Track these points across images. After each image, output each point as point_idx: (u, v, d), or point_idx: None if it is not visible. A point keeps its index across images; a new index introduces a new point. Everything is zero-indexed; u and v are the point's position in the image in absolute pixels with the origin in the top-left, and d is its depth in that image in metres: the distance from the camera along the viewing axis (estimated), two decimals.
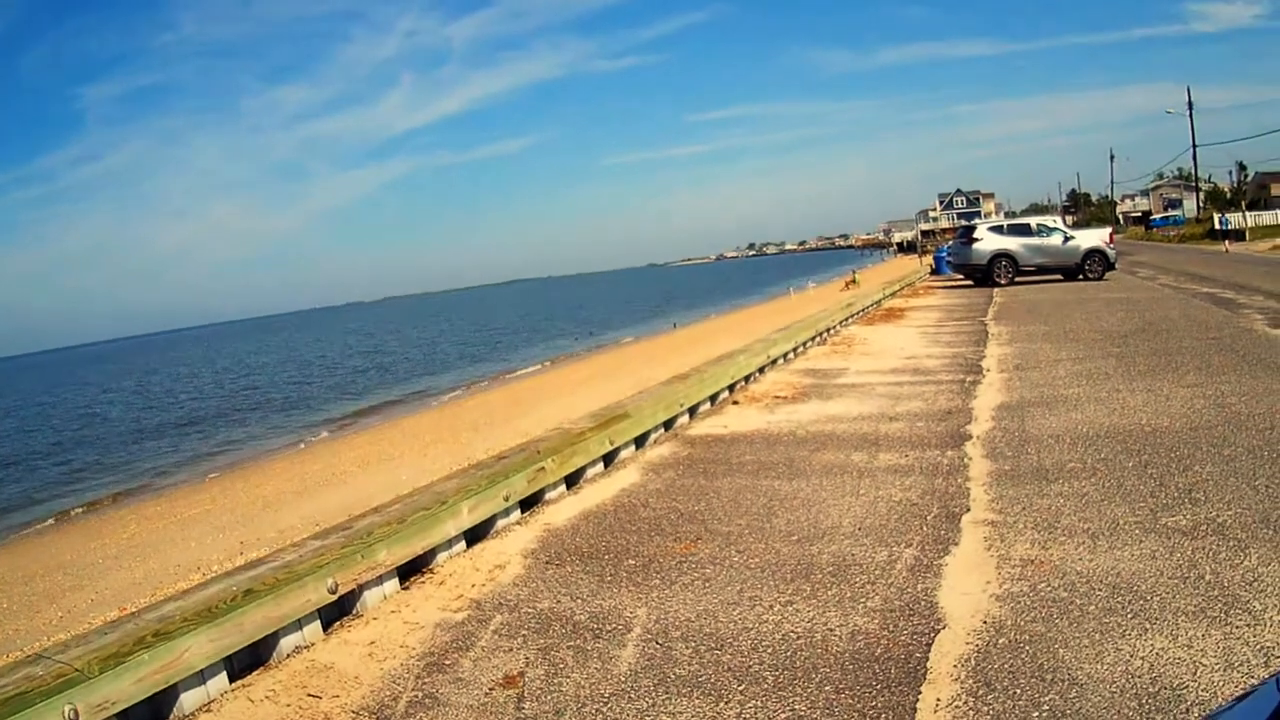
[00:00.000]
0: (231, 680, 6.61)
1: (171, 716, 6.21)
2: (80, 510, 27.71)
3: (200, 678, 6.31)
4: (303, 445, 33.91)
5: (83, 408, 72.73)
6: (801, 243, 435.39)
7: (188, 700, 6.23)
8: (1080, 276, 40.79)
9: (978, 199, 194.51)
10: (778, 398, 16.34)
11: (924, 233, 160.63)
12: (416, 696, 6.11)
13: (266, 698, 6.32)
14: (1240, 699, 2.14)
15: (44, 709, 5.31)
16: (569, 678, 6.14)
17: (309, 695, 6.29)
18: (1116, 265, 41.59)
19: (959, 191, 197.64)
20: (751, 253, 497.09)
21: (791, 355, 22.04)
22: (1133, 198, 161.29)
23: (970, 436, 11.94)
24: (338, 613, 7.73)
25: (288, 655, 7.01)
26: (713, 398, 16.14)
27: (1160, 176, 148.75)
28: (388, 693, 6.21)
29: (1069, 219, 71.03)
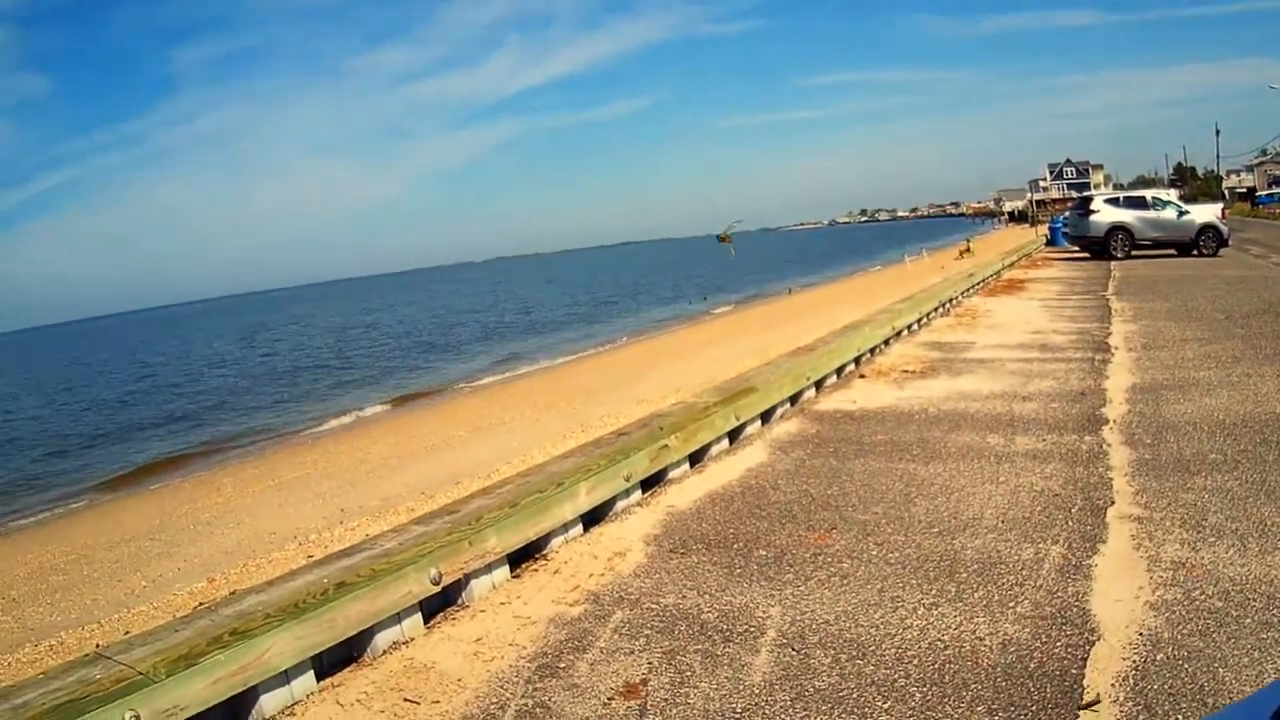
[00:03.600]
0: (319, 679, 6.08)
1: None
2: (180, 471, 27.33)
3: (284, 678, 5.79)
4: (408, 410, 33.18)
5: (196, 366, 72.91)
6: (913, 209, 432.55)
7: (268, 703, 5.71)
8: (1194, 252, 39.75)
9: (1087, 170, 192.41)
10: (906, 372, 15.73)
11: (1037, 202, 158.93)
12: (526, 705, 5.55)
13: (358, 701, 5.80)
14: (1248, 699, 2.03)
15: (99, 716, 4.79)
16: (697, 688, 5.56)
17: (405, 700, 5.76)
18: (1230, 242, 40.73)
19: (1068, 162, 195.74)
20: (864, 219, 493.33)
21: (916, 327, 21.36)
22: (1237, 173, 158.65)
23: (1106, 420, 11.22)
24: (441, 603, 7.19)
25: (384, 652, 6.48)
26: (839, 370, 15.50)
27: (1264, 153, 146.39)
28: (494, 699, 5.66)
29: (1177, 193, 69.87)
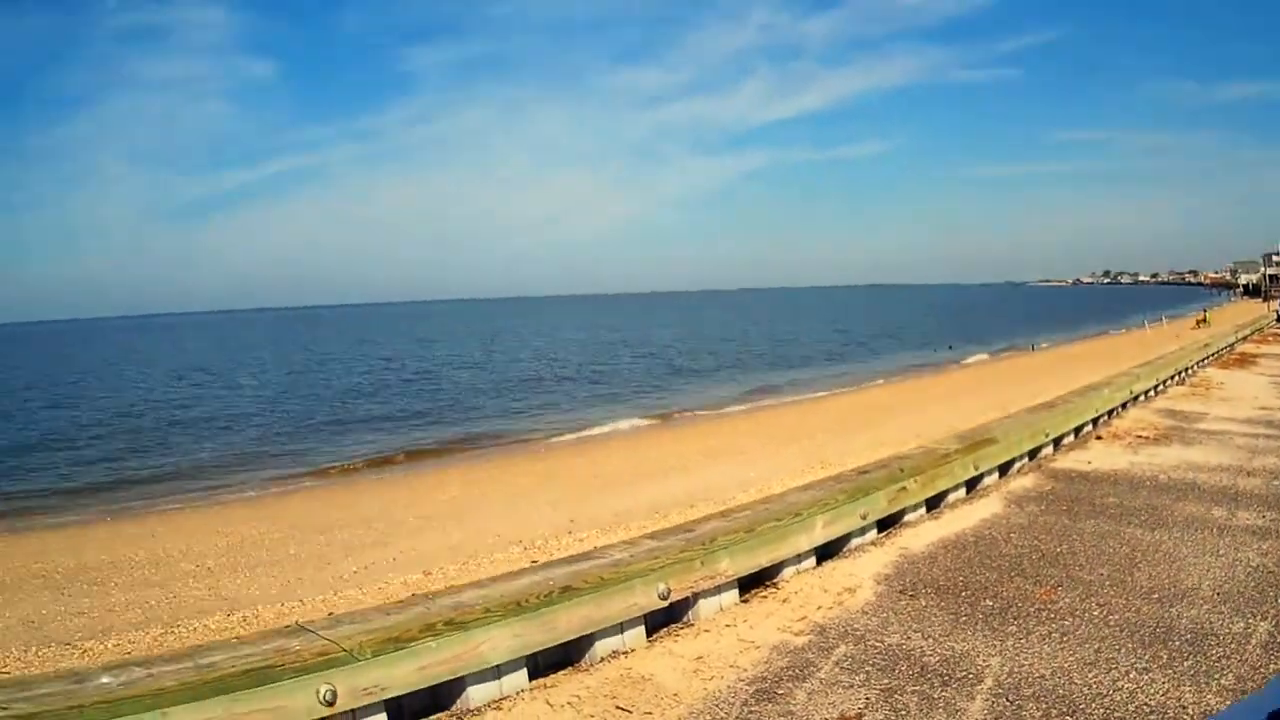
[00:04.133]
0: (532, 678, 6.01)
1: (454, 708, 5.65)
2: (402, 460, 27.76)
3: (495, 672, 5.74)
4: (641, 429, 33.02)
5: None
6: (1154, 275, 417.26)
7: (476, 694, 5.66)
8: None
9: None
10: (1139, 437, 15.34)
11: (1271, 277, 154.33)
12: None
13: (569, 704, 5.74)
14: (1247, 699, 1.95)
15: (292, 687, 4.74)
16: None
17: (618, 707, 5.68)
18: None
19: None
20: (1106, 280, 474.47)
21: (1152, 393, 20.90)
22: None
23: None
24: (665, 618, 7.11)
25: (602, 659, 6.41)
26: (1077, 430, 15.19)
27: None
28: (707, 717, 5.56)
29: None
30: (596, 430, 32.38)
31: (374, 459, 28.17)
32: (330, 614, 6.91)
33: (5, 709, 4.38)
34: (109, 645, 9.49)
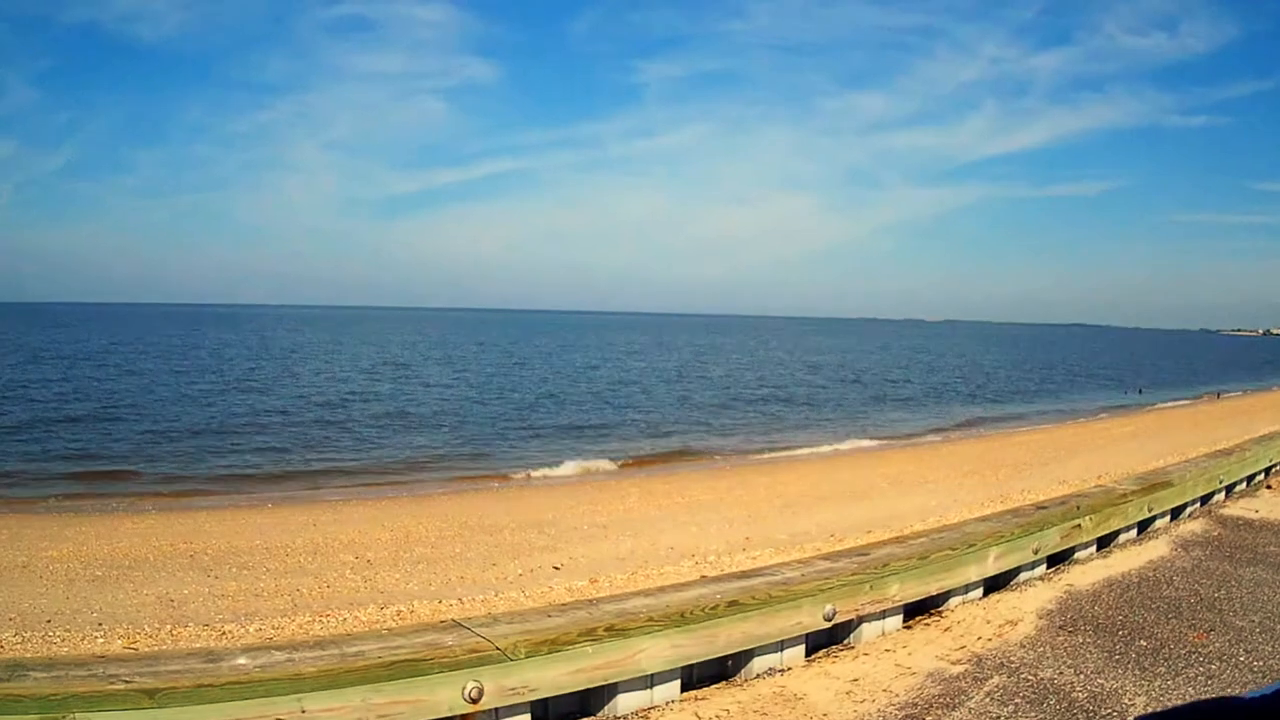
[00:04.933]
0: (684, 689, 5.97)
1: (601, 714, 5.66)
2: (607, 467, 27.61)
3: (648, 681, 5.70)
4: (834, 452, 32.64)
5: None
6: None
7: (625, 701, 5.64)
8: None
9: None
10: None
11: None
12: None
13: (717, 717, 5.74)
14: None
15: (438, 681, 4.74)
16: None
17: None
18: None
19: None
20: None
21: None
22: None
23: None
24: (826, 639, 7.06)
25: (757, 675, 6.37)
26: (1249, 478, 14.86)
27: None
28: None
29: None
30: (786, 452, 31.97)
31: (555, 466, 27.82)
32: (489, 614, 6.98)
33: (127, 682, 4.39)
34: (250, 629, 9.51)
